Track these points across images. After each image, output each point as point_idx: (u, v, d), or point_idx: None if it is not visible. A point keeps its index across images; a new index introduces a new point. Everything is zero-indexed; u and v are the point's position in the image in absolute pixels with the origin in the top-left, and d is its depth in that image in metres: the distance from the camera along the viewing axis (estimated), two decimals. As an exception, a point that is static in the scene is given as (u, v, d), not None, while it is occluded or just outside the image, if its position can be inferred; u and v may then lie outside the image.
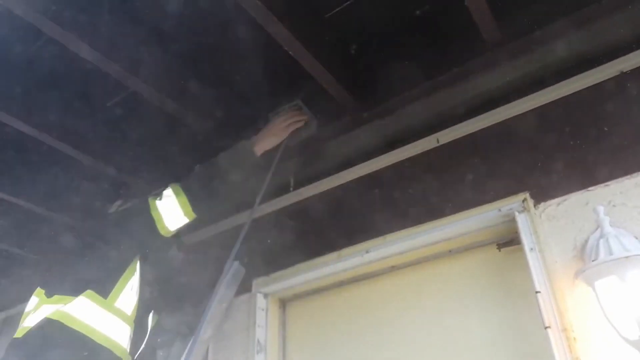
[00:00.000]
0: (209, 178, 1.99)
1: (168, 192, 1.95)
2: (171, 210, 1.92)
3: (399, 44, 2.10)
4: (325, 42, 2.04)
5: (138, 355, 1.92)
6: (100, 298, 1.73)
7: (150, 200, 1.94)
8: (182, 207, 1.93)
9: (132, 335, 1.81)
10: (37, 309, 1.72)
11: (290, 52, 1.87)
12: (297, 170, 2.44)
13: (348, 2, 2.02)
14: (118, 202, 2.15)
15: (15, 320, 3.36)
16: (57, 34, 1.79)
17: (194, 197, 1.95)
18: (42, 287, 1.80)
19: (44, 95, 2.19)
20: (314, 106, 2.23)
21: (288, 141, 2.25)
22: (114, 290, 1.77)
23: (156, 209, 1.91)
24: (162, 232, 1.92)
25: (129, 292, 1.82)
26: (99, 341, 1.67)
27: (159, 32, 2.05)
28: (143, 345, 1.97)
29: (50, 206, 2.63)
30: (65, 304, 1.69)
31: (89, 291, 1.72)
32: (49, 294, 1.75)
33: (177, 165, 2.29)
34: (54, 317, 1.65)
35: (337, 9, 2.05)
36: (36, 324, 1.67)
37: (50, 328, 1.64)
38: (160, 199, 1.93)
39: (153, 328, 2.06)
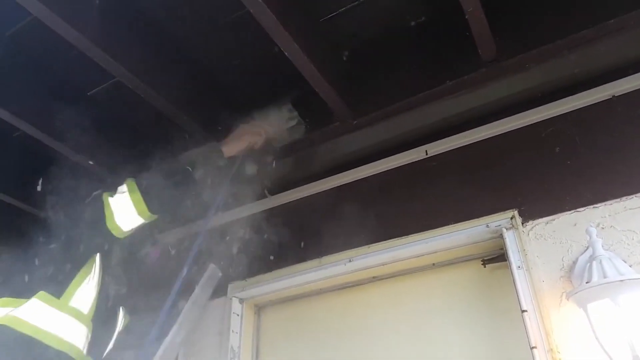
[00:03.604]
0: (170, 176, 1.84)
1: (122, 189, 1.78)
2: (124, 208, 1.75)
3: (392, 53, 2.08)
4: (319, 46, 2.00)
5: (104, 355, 1.83)
6: (53, 298, 1.63)
7: (104, 195, 1.78)
8: (136, 205, 1.76)
9: (88, 335, 1.71)
10: None
11: (286, 53, 1.82)
12: (275, 174, 2.38)
13: (343, 9, 2.00)
14: (98, 192, 2.06)
15: None
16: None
17: (151, 195, 1.77)
18: None
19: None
20: (303, 109, 2.19)
21: (277, 143, 2.22)
22: (68, 288, 1.67)
23: (109, 205, 1.74)
24: (113, 232, 1.74)
25: (85, 290, 1.71)
26: (50, 344, 1.57)
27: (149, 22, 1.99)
28: (111, 346, 1.88)
29: (19, 196, 2.51)
30: (15, 307, 1.59)
31: (41, 292, 1.62)
32: None
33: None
34: (2, 322, 1.56)
35: (332, 15, 2.02)
36: None
37: None
38: (112, 196, 1.76)
39: (123, 328, 1.97)
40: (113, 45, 1.87)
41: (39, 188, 1.97)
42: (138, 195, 1.76)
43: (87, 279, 1.73)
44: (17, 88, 2.14)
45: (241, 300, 2.30)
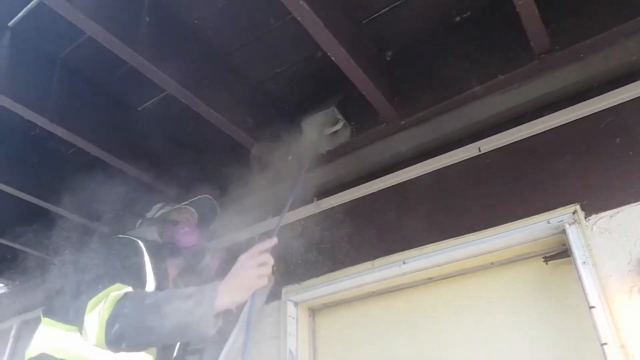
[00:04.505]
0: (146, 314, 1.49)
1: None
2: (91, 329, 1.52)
3: (438, 50, 2.06)
4: (364, 47, 2.00)
5: None
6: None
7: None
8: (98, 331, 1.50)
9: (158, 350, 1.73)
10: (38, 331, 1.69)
11: (332, 58, 1.83)
12: (324, 179, 2.38)
13: (385, 9, 1.99)
14: (158, 205, 2.10)
15: (33, 324, 3.33)
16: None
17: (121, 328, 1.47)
18: (44, 315, 1.73)
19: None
20: (348, 112, 2.18)
21: (321, 148, 2.21)
22: None
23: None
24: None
25: None
26: None
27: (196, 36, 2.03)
28: (175, 353, 1.93)
29: (86, 214, 2.60)
30: (58, 329, 1.63)
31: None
32: (44, 313, 1.71)
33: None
34: (56, 356, 1.58)
35: (375, 15, 2.02)
36: (38, 355, 1.62)
37: None
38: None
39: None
40: (163, 60, 1.91)
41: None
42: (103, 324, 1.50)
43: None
44: (72, 106, 2.22)
45: (295, 304, 2.32)
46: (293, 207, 2.22)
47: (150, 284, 1.75)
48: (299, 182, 1.90)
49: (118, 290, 1.56)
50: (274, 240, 1.63)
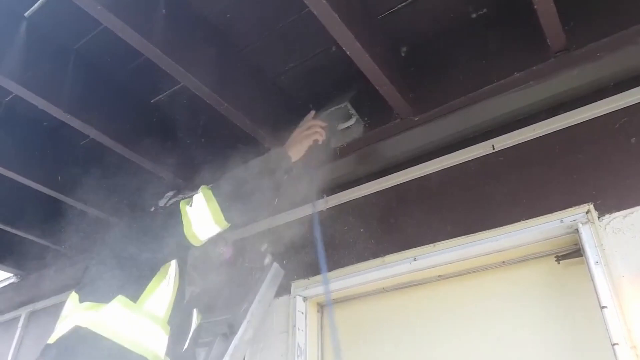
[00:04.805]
0: (241, 184, 1.83)
1: (199, 197, 1.79)
2: (202, 218, 1.76)
3: (453, 46, 2.04)
4: (379, 43, 2.00)
5: (180, 355, 1.89)
6: (130, 302, 1.68)
7: (181, 204, 1.80)
8: (213, 214, 1.77)
9: (165, 337, 1.76)
10: (70, 316, 1.69)
11: (347, 52, 1.82)
12: (335, 174, 2.38)
13: (402, 4, 1.98)
14: (170, 194, 2.11)
15: (41, 314, 3.36)
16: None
17: (227, 204, 1.78)
18: (76, 292, 1.76)
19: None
20: (362, 108, 2.18)
21: (333, 143, 2.22)
22: (144, 293, 1.72)
23: (186, 214, 1.76)
24: (191, 241, 1.77)
25: (161, 294, 1.76)
26: (128, 346, 1.63)
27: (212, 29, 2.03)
28: (186, 345, 1.94)
29: (98, 205, 2.61)
30: (97, 311, 1.65)
31: (120, 296, 1.68)
32: (82, 299, 1.72)
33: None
34: (84, 325, 1.62)
35: (391, 10, 2.01)
36: (67, 331, 1.64)
37: (80, 335, 1.61)
38: (191, 205, 1.77)
39: (197, 327, 2.03)
40: (179, 52, 1.91)
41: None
42: (215, 204, 1.77)
43: (163, 283, 1.77)
44: (86, 97, 2.23)
45: (305, 299, 2.32)
46: (305, 202, 2.23)
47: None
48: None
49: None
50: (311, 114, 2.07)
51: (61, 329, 1.67)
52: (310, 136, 1.99)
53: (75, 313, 1.68)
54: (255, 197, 1.83)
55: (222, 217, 1.78)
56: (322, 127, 2.03)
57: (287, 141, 2.01)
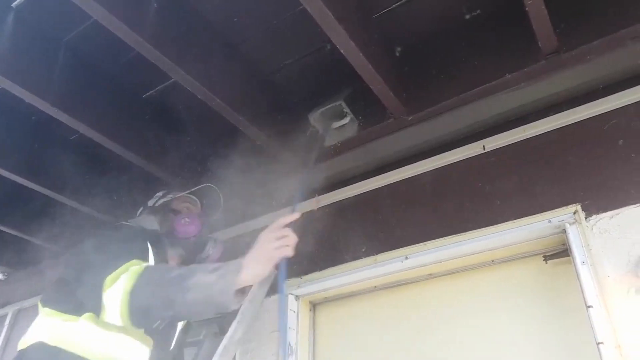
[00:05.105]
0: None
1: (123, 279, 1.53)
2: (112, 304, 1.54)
3: (447, 47, 2.06)
4: (374, 42, 2.00)
5: (167, 353, 1.87)
6: (96, 317, 1.56)
7: (131, 268, 1.57)
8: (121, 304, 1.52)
9: (145, 348, 1.67)
10: (36, 321, 1.66)
11: (342, 51, 1.82)
12: (328, 173, 2.38)
13: (396, 4, 1.99)
14: (159, 194, 2.09)
15: (29, 312, 3.31)
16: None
17: (140, 310, 1.52)
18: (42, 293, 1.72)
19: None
20: (356, 106, 2.19)
21: (327, 142, 2.22)
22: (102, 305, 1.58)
23: (117, 278, 1.54)
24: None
25: (113, 302, 1.56)
26: None
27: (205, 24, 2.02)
28: (172, 345, 1.92)
29: (86, 201, 2.58)
30: (61, 320, 1.59)
31: (88, 314, 1.56)
32: (43, 303, 1.69)
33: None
34: (54, 344, 1.55)
35: (385, 10, 2.02)
36: (34, 344, 1.59)
37: (48, 352, 1.55)
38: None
39: (184, 327, 2.01)
40: (171, 47, 1.89)
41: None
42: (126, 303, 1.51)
43: (112, 291, 1.56)
44: (76, 91, 2.20)
45: (297, 297, 2.32)
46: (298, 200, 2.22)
47: None
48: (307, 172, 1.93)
49: (137, 265, 1.56)
50: (294, 215, 1.68)
51: (30, 334, 1.65)
52: (280, 251, 1.63)
53: (40, 318, 1.66)
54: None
55: (127, 314, 1.52)
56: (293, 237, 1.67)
57: (250, 251, 1.62)
